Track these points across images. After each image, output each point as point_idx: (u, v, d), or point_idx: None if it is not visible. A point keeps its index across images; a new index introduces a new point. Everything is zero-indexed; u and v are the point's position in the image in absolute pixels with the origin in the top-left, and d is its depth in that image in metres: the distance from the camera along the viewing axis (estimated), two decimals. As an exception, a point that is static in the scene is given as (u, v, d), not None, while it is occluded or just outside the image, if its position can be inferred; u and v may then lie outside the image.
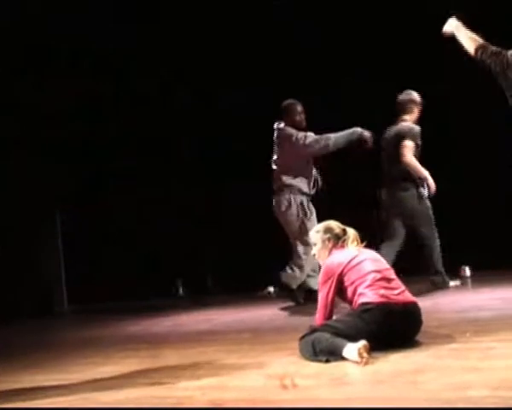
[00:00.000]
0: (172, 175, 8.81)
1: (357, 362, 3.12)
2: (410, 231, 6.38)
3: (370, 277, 3.60)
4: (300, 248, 6.12)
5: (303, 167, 6.32)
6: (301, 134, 6.26)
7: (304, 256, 6.08)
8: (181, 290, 8.56)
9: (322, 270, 3.81)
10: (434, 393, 2.54)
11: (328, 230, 3.94)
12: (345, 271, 3.67)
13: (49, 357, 4.52)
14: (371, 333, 3.37)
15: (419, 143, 6.44)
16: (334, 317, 3.71)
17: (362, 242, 3.89)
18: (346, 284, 3.66)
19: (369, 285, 3.57)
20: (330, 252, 3.88)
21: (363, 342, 3.20)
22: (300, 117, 6.39)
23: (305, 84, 7.84)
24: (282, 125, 6.38)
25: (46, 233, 9.09)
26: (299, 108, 6.40)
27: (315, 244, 3.97)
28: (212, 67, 8.27)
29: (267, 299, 7.45)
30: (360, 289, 3.59)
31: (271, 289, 7.90)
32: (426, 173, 6.26)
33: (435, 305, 5.00)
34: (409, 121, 6.46)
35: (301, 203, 6.26)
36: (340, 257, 3.77)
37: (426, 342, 3.51)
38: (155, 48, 8.42)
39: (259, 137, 7.25)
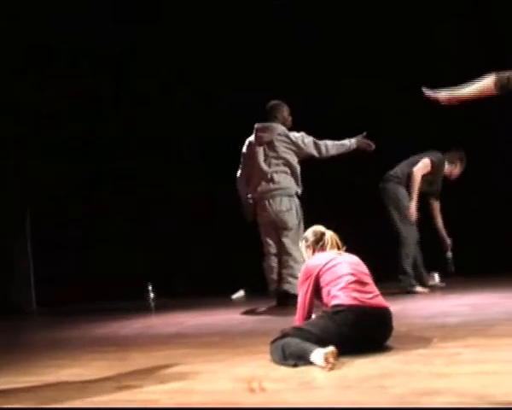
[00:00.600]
0: (172, 175, 8.81)
1: (322, 367, 3.13)
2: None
3: (344, 279, 3.64)
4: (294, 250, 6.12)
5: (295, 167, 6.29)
6: (299, 134, 6.25)
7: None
8: (152, 293, 8.42)
9: (301, 271, 3.89)
10: (401, 398, 2.55)
11: (305, 239, 4.08)
12: (321, 272, 3.73)
13: (15, 358, 4.44)
14: (342, 335, 3.40)
15: (439, 177, 6.66)
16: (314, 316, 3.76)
17: (343, 245, 3.96)
18: (322, 285, 3.71)
19: (343, 287, 3.60)
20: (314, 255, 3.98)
21: (330, 348, 3.20)
22: (290, 117, 6.38)
23: (305, 84, 7.85)
24: (272, 124, 6.27)
25: (15, 233, 8.94)
26: (287, 108, 6.39)
27: (302, 252, 4.12)
28: (212, 67, 8.27)
29: (238, 302, 7.42)
30: (333, 291, 3.62)
31: (241, 292, 7.84)
32: (414, 201, 6.49)
33: (404, 310, 5.02)
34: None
35: (298, 205, 6.27)
36: (318, 259, 3.84)
37: (394, 347, 3.53)
38: (155, 48, 8.42)
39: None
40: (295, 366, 3.25)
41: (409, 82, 7.56)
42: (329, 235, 4.01)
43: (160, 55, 8.47)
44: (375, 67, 7.80)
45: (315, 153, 6.23)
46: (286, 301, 6.01)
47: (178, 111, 8.76)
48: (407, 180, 6.60)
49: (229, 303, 7.39)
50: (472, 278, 7.04)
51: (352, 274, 3.65)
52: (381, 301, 3.64)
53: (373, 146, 6.38)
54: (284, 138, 6.19)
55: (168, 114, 8.76)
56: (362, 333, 3.46)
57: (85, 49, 8.45)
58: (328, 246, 3.95)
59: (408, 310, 5.13)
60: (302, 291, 3.79)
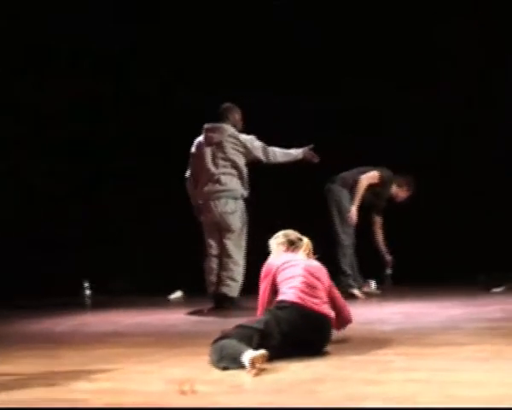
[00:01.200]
0: (172, 175, 8.79)
1: (248, 371, 3.13)
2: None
3: (296, 280, 3.69)
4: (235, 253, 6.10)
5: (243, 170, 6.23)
6: (248, 137, 6.19)
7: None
8: (88, 290, 8.18)
9: (263, 268, 3.93)
10: (331, 403, 2.59)
11: (285, 235, 4.08)
12: (278, 271, 3.79)
13: None
14: (281, 332, 3.46)
15: (385, 192, 6.86)
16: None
17: (314, 253, 4.00)
18: (278, 283, 3.77)
19: (292, 286, 3.66)
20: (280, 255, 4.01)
21: (260, 352, 3.19)
22: (241, 121, 6.32)
23: (305, 85, 7.85)
24: (222, 125, 6.20)
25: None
26: (240, 112, 6.34)
27: (271, 250, 4.08)
28: (212, 67, 8.27)
29: (176, 303, 7.37)
30: (283, 289, 3.69)
31: (179, 293, 7.77)
32: (356, 205, 6.66)
33: None
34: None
35: (244, 208, 6.22)
36: (278, 258, 3.90)
37: (329, 353, 3.56)
38: (155, 48, 8.42)
39: (259, 137, 7.25)
40: (225, 369, 3.24)
41: (409, 82, 7.60)
42: (306, 241, 4.05)
43: (160, 55, 8.46)
44: (375, 67, 7.80)
45: (262, 157, 6.17)
46: (224, 304, 5.97)
47: (178, 111, 8.75)
48: (352, 185, 6.79)
49: (166, 303, 7.30)
50: (407, 286, 7.14)
51: (304, 276, 3.70)
52: (326, 309, 3.68)
53: (317, 159, 6.36)
54: (233, 140, 6.12)
55: (168, 114, 8.75)
56: (300, 334, 3.50)
57: (85, 49, 8.45)
58: (301, 250, 3.99)
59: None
60: (261, 288, 3.86)
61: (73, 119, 8.64)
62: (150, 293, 7.75)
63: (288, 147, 6.40)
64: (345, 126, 7.85)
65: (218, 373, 3.22)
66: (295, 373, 3.15)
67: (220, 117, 6.25)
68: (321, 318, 3.62)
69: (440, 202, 7.60)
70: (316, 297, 3.65)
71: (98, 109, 8.78)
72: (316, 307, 3.60)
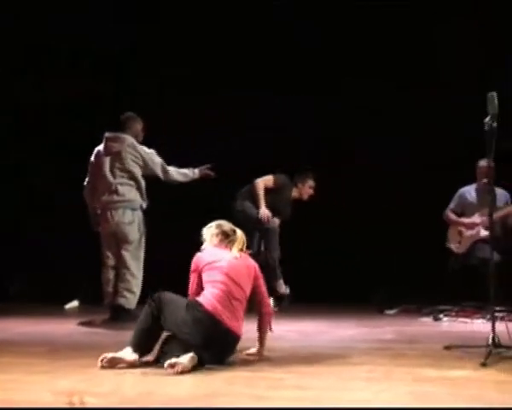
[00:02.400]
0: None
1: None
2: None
3: (218, 287, 3.76)
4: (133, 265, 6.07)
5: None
6: (149, 151, 6.14)
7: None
8: None
9: (193, 259, 3.98)
10: None
11: (218, 226, 4.08)
12: (204, 269, 3.87)
13: None
14: (182, 332, 3.60)
15: (284, 195, 7.13)
16: None
17: (247, 248, 4.07)
18: (203, 280, 3.86)
19: (213, 293, 3.73)
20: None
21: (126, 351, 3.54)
22: (142, 132, 6.26)
23: (305, 85, 7.85)
24: (123, 135, 6.12)
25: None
26: (142, 122, 6.29)
27: (205, 240, 4.10)
28: (211, 67, 8.26)
29: (72, 312, 7.29)
30: (206, 291, 3.79)
31: (75, 302, 7.68)
32: (262, 205, 6.95)
33: None
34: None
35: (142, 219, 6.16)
36: (208, 254, 3.95)
37: (222, 369, 3.61)
38: (155, 48, 8.41)
39: (259, 137, 7.26)
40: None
41: (409, 82, 7.60)
42: (240, 234, 4.07)
43: (159, 55, 8.45)
44: (375, 67, 7.80)
45: (161, 174, 6.12)
46: (120, 316, 5.90)
47: (178, 111, 8.74)
48: (252, 193, 7.07)
49: (62, 312, 7.21)
50: (305, 305, 7.21)
51: (225, 283, 3.75)
52: (236, 326, 3.73)
53: (213, 175, 6.39)
54: (133, 151, 6.05)
55: (168, 114, 8.74)
56: (201, 342, 3.57)
57: (85, 49, 8.44)
58: (235, 244, 4.01)
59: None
60: (190, 279, 3.94)
61: (73, 119, 8.63)
62: (45, 301, 7.49)
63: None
64: (345, 126, 7.85)
65: (108, 386, 3.22)
66: (188, 388, 3.21)
67: (121, 127, 6.17)
68: (227, 333, 3.68)
69: (337, 222, 7.78)
70: (230, 310, 3.72)
71: (98, 109, 8.77)
72: (227, 322, 3.67)
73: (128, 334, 3.85)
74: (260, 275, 3.99)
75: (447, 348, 4.26)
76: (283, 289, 7.04)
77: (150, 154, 6.12)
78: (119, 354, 3.62)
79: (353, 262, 7.65)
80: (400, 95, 7.61)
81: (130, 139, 6.09)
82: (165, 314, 3.68)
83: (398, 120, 7.65)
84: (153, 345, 3.75)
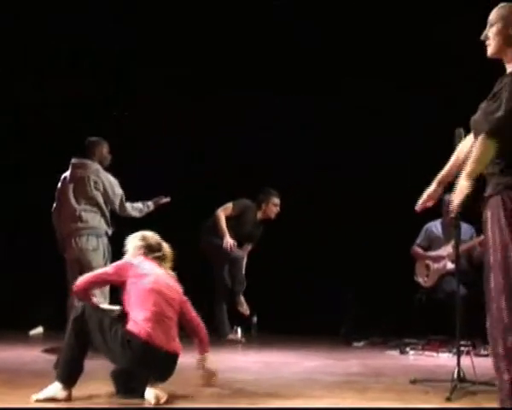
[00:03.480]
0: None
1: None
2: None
3: (150, 309, 3.64)
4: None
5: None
6: (114, 180, 6.09)
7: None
8: None
9: (119, 262, 3.87)
10: None
11: (143, 238, 3.94)
12: (131, 277, 3.71)
13: None
14: (123, 363, 3.61)
15: (248, 219, 7.19)
16: None
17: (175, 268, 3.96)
18: (127, 290, 3.71)
19: (146, 317, 3.61)
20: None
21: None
22: (109, 155, 6.20)
23: (304, 85, 7.85)
24: (88, 161, 6.07)
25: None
26: (107, 145, 6.23)
27: (127, 251, 3.97)
28: (211, 67, 8.26)
29: (36, 339, 7.22)
30: (135, 313, 3.64)
31: (40, 329, 7.63)
32: (226, 234, 6.99)
33: None
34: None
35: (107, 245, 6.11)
36: (140, 265, 3.78)
37: (184, 398, 3.64)
38: (155, 48, 8.41)
39: (259, 138, 7.25)
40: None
41: (409, 82, 7.60)
42: (169, 250, 3.95)
43: (159, 55, 8.45)
44: (375, 67, 7.80)
45: (117, 208, 6.05)
46: None
47: (178, 111, 8.74)
48: (214, 224, 7.14)
49: (26, 339, 7.14)
50: (273, 335, 7.30)
51: (159, 305, 3.67)
52: (173, 345, 3.69)
53: (168, 201, 6.37)
54: (96, 178, 6.00)
55: (168, 114, 8.74)
56: (143, 370, 3.58)
57: (85, 49, 8.44)
58: (167, 261, 3.91)
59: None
60: (102, 272, 3.90)
61: (73, 119, 8.62)
62: (9, 327, 7.35)
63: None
64: (345, 126, 7.85)
65: None
66: None
67: (86, 152, 6.14)
68: (168, 357, 3.65)
69: (309, 253, 7.84)
70: (164, 331, 3.65)
71: (98, 109, 8.76)
72: (163, 346, 3.61)
73: (94, 363, 3.82)
74: (186, 299, 3.90)
75: (413, 382, 4.26)
76: (244, 307, 7.09)
77: (113, 184, 6.07)
78: (50, 394, 3.53)
79: (323, 294, 7.65)
80: (400, 95, 7.61)
81: (94, 165, 6.06)
82: (91, 336, 3.61)
83: (399, 119, 7.65)
84: (80, 371, 3.64)
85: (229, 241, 7.02)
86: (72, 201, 6.02)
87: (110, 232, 6.12)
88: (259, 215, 7.33)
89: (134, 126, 8.66)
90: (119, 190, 6.10)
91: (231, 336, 7.11)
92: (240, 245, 7.28)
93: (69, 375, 3.59)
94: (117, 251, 5.95)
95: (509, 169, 3.09)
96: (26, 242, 8.24)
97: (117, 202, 6.07)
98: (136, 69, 8.74)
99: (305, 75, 7.94)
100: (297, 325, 7.28)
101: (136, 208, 6.21)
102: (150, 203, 6.33)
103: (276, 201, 7.30)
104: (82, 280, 3.84)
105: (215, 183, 8.12)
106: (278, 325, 7.28)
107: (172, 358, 3.69)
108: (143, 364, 3.57)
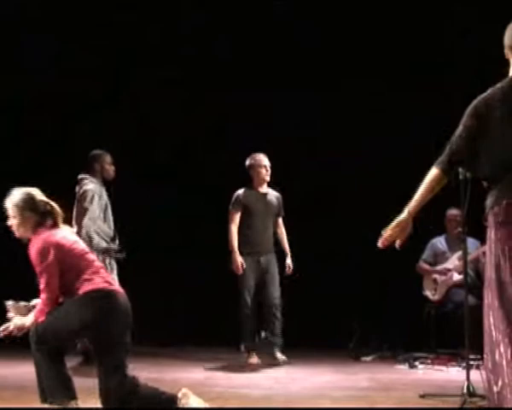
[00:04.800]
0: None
1: None
2: None
3: (94, 264, 3.46)
4: None
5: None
6: (104, 201, 6.06)
7: None
8: None
9: (36, 249, 3.39)
10: None
11: (31, 203, 3.49)
12: (65, 254, 3.40)
13: None
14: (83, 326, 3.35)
15: (250, 205, 6.56)
16: None
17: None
18: (66, 269, 3.39)
19: (95, 272, 3.41)
20: (36, 231, 3.47)
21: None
22: (111, 166, 6.17)
23: (305, 85, 7.85)
24: (82, 178, 6.07)
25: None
26: (109, 157, 6.19)
27: (14, 217, 3.50)
28: (211, 67, 8.26)
29: None
30: (86, 275, 3.38)
31: None
32: (234, 251, 6.39)
33: (211, 378, 5.21)
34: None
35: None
36: (56, 237, 3.43)
37: None
38: (155, 48, 8.41)
39: (258, 139, 7.25)
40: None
41: (409, 82, 7.60)
42: (57, 207, 3.57)
43: (159, 56, 8.45)
44: (375, 67, 7.80)
45: (84, 233, 5.86)
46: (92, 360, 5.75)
47: (178, 111, 8.74)
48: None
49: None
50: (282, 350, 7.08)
51: (96, 256, 3.64)
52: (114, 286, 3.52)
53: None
54: (83, 196, 5.98)
55: (168, 114, 8.74)
56: (113, 325, 3.34)
57: (85, 49, 8.43)
58: (59, 217, 3.54)
59: (214, 378, 5.25)
60: (45, 275, 3.35)
61: (73, 119, 8.62)
62: (18, 343, 7.28)
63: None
64: (344, 126, 7.84)
65: None
66: None
67: (87, 167, 6.13)
68: (125, 299, 3.48)
69: (316, 267, 7.65)
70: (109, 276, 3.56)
71: (98, 109, 8.76)
72: (117, 288, 3.51)
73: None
74: None
75: (422, 396, 4.25)
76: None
77: (95, 208, 5.96)
78: None
79: (332, 308, 7.54)
80: (400, 95, 7.61)
81: (84, 182, 6.02)
82: (61, 342, 3.45)
83: (398, 119, 7.65)
84: (71, 379, 3.50)
85: (237, 260, 6.40)
86: (74, 219, 5.93)
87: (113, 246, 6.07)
88: (256, 187, 6.64)
89: (134, 126, 8.68)
90: (92, 215, 5.95)
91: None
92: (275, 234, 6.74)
93: (67, 388, 3.47)
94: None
95: (491, 190, 3.08)
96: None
97: (85, 223, 5.91)
98: (136, 69, 8.73)
99: (304, 75, 7.93)
100: (306, 339, 7.18)
101: (90, 237, 5.90)
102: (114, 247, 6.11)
103: (263, 162, 6.65)
104: (44, 307, 3.45)
105: (215, 183, 8.14)
106: (286, 340, 7.13)
107: (125, 296, 3.50)
108: (112, 315, 3.35)
